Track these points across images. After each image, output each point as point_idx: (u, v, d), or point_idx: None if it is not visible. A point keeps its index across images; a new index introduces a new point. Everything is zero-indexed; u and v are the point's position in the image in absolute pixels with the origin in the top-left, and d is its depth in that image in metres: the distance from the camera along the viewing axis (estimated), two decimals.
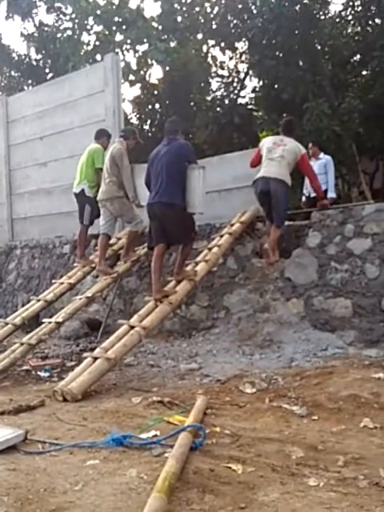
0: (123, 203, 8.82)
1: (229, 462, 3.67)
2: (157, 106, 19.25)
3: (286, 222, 8.80)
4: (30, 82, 20.50)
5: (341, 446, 4.02)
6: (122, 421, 4.76)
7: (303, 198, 11.40)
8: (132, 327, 6.78)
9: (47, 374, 7.18)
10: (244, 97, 20.25)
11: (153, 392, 5.87)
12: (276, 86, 16.30)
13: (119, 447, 3.96)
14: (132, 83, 19.26)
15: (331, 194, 10.79)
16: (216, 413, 4.99)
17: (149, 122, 19.30)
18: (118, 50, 18.33)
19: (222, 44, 18.61)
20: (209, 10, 18.87)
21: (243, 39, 17.31)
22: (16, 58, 20.34)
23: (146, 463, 3.66)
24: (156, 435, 4.23)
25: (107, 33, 19.10)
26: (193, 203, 7.27)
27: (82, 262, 9.61)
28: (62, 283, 9.14)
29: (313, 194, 10.84)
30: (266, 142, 8.60)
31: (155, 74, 31.26)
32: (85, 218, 9.42)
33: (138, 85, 19.47)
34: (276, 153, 8.37)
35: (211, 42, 19.46)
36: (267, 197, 8.24)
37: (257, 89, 19.46)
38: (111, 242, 9.78)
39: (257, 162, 8.64)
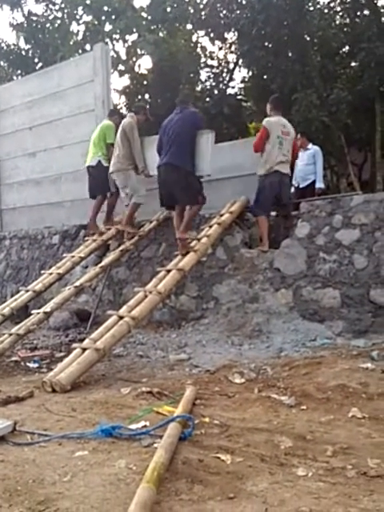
0: (128, 175, 9.38)
1: (218, 452, 3.68)
2: (146, 96, 19.17)
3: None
4: (19, 71, 20.41)
5: (329, 435, 4.03)
6: (111, 411, 4.76)
7: (292, 189, 11.44)
8: (121, 318, 6.78)
9: (36, 365, 7.16)
10: (233, 87, 20.20)
11: (142, 382, 5.87)
12: (265, 77, 16.31)
13: (108, 438, 3.96)
14: (121, 73, 19.22)
15: (320, 185, 10.86)
16: (205, 403, 5.00)
17: None
18: (107, 40, 18.26)
19: (212, 34, 18.57)
20: (198, 0, 18.83)
21: (232, 30, 17.28)
22: (5, 48, 20.25)
23: (135, 454, 3.67)
24: (145, 426, 4.23)
25: (96, 23, 19.03)
26: (201, 166, 8.07)
27: (108, 226, 10.10)
28: (50, 274, 9.12)
29: (302, 185, 10.92)
30: (274, 128, 8.65)
31: (144, 64, 31.18)
32: (111, 186, 9.84)
33: (128, 75, 19.41)
34: (286, 146, 8.68)
35: (201, 33, 19.42)
36: (279, 189, 8.62)
37: (246, 79, 19.46)
38: (101, 231, 9.90)
39: (262, 146, 8.70)
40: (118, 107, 19.05)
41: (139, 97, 19.25)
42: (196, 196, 8.14)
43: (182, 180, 8.00)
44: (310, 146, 11.24)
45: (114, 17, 18.49)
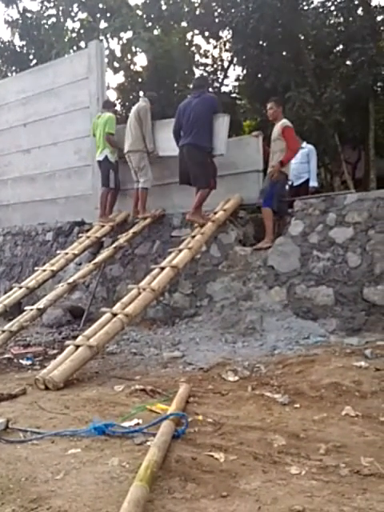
0: (142, 157, 9.84)
1: (211, 451, 3.68)
2: (141, 93, 19.16)
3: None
4: (13, 68, 20.39)
5: (322, 434, 4.03)
6: (104, 409, 4.75)
7: (286, 187, 11.47)
8: (115, 315, 6.77)
9: (29, 362, 7.14)
10: (227, 85, 20.27)
11: (135, 380, 5.86)
12: (259, 75, 16.31)
13: (101, 436, 3.95)
14: (116, 70, 19.18)
15: (313, 183, 10.90)
16: (198, 401, 5.00)
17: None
18: (102, 37, 18.23)
19: (206, 33, 18.57)
20: None
21: (227, 28, 17.29)
22: (0, 45, 20.22)
23: (127, 452, 3.66)
24: (138, 423, 4.23)
25: (91, 20, 18.99)
26: (217, 146, 8.58)
27: (103, 221, 10.26)
28: (44, 270, 9.12)
29: (295, 183, 10.95)
30: None
31: (139, 61, 31.21)
32: (110, 182, 10.19)
33: (122, 72, 19.39)
34: None
35: (195, 31, 19.41)
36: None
37: (240, 77, 19.47)
38: (94, 228, 9.92)
39: None
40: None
41: (134, 94, 19.25)
42: (209, 178, 8.57)
43: (200, 160, 8.52)
44: (304, 144, 11.27)
45: (109, 14, 18.45)
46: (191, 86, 9.12)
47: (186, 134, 8.59)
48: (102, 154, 10.16)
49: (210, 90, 19.07)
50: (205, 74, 11.04)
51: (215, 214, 8.66)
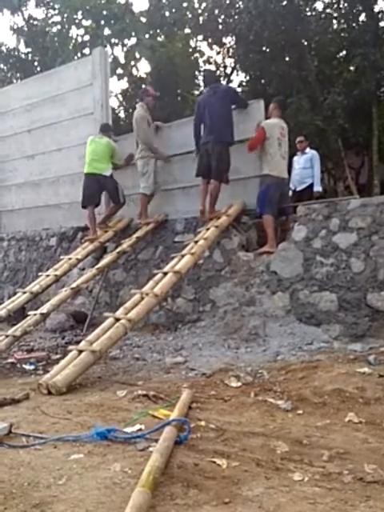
0: (146, 163, 9.83)
1: (213, 457, 3.66)
2: None
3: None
4: (18, 75, 20.51)
5: (325, 440, 4.01)
6: (106, 414, 4.74)
7: (290, 192, 11.49)
8: (117, 320, 6.76)
9: (32, 367, 7.13)
10: None
11: (138, 385, 5.84)
12: (262, 81, 16.35)
13: (103, 441, 3.94)
14: (120, 77, 19.26)
15: (317, 188, 10.91)
16: (201, 407, 4.98)
17: None
18: (106, 43, 18.30)
19: (210, 39, 18.62)
20: (196, 5, 18.93)
21: (230, 34, 17.33)
22: (5, 52, 20.36)
23: (130, 457, 3.65)
24: (141, 429, 4.22)
25: (95, 26, 19.07)
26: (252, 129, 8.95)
27: (103, 227, 10.29)
28: (48, 275, 9.14)
29: (299, 188, 10.96)
30: (272, 129, 8.76)
31: (143, 67, 31.29)
32: (120, 197, 10.17)
33: (126, 78, 19.47)
34: (284, 147, 8.85)
35: (199, 37, 19.47)
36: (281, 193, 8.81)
37: (243, 83, 19.50)
38: (97, 234, 9.93)
39: (259, 146, 8.83)
40: (117, 111, 19.14)
41: (137, 100, 19.32)
42: (223, 173, 8.81)
43: (221, 156, 8.68)
44: (308, 150, 11.31)
45: (113, 21, 18.52)
46: (202, 82, 9.23)
47: (210, 131, 8.78)
48: (106, 171, 10.05)
49: None
50: (210, 68, 11.25)
51: (218, 219, 8.65)
